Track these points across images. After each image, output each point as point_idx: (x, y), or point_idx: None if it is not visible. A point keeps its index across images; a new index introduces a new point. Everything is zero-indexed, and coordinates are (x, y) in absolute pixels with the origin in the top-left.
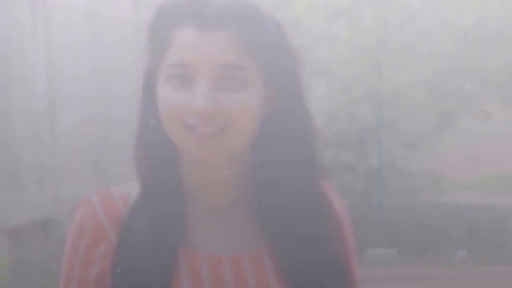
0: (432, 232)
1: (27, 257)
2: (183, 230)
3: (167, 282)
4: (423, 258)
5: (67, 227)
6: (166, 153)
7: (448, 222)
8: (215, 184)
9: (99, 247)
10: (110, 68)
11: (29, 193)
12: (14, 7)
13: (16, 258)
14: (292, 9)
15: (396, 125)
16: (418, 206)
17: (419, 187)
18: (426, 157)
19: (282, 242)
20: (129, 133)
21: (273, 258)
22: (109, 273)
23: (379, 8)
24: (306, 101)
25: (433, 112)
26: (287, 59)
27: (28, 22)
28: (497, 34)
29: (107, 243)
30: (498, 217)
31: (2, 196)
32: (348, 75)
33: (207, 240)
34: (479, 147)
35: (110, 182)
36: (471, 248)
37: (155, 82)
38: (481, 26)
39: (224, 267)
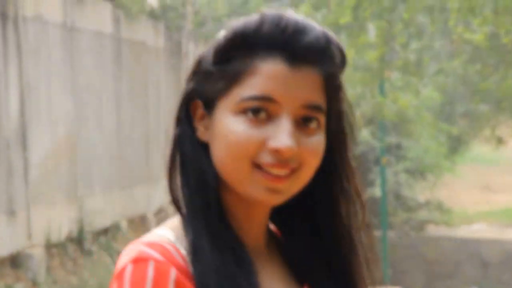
0: (441, 269)
1: None
2: (256, 274)
3: None
4: None
5: (39, 262)
6: (213, 192)
7: (458, 257)
8: (257, 225)
9: None
10: (87, 87)
11: None
12: None
13: None
14: None
15: (401, 151)
16: (425, 240)
17: (427, 219)
18: (434, 186)
19: (320, 282)
20: (108, 158)
21: None
22: None
23: (383, 23)
24: (352, 152)
25: (441, 137)
26: (346, 106)
27: None
28: None
29: None
30: None
31: None
32: (348, 96)
33: (268, 281)
34: (492, 175)
35: (88, 213)
36: (484, 286)
37: (210, 109)
38: (494, 42)
39: None
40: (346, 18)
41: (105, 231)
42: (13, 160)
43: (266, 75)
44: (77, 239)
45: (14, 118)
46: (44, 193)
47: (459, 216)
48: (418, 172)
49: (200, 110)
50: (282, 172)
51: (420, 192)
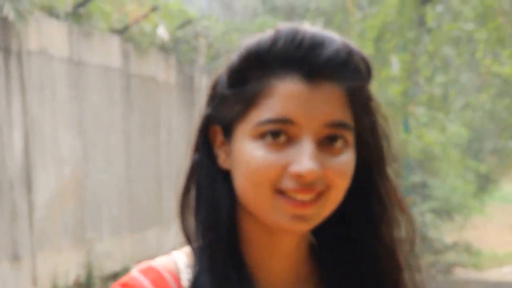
0: None
1: None
2: None
3: None
4: None
5: None
6: (224, 226)
7: None
8: (283, 256)
9: None
10: (95, 125)
11: (2, 271)
12: None
13: None
14: None
15: (427, 190)
16: (453, 284)
17: (454, 261)
18: (461, 227)
19: None
20: (118, 199)
21: None
22: None
23: (406, 55)
24: (389, 169)
25: (469, 175)
26: (379, 117)
27: (0, 73)
28: None
29: None
30: None
31: None
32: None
33: None
34: None
35: (96, 258)
36: None
37: (229, 135)
38: None
39: None
40: (367, 51)
41: (114, 276)
42: (17, 202)
43: (283, 95)
44: (85, 285)
45: (18, 158)
46: (50, 237)
47: (488, 258)
48: (445, 212)
49: (219, 136)
50: (307, 197)
51: (447, 233)
